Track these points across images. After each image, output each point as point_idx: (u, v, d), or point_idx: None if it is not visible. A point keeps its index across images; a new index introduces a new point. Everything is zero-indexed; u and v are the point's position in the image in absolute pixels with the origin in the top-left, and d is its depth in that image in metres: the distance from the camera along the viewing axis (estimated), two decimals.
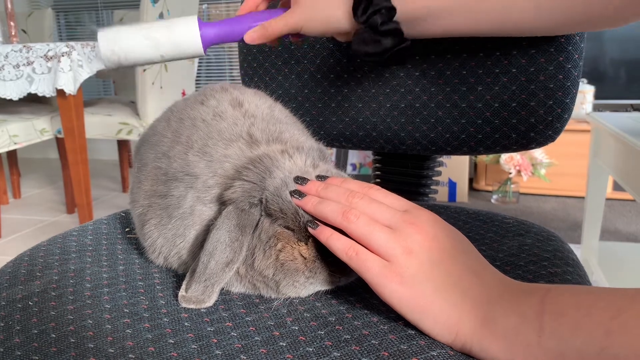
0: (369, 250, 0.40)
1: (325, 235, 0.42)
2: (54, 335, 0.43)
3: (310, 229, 0.43)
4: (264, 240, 0.45)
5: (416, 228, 0.40)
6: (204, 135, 0.51)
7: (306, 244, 0.44)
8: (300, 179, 0.45)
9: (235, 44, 3.51)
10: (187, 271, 0.48)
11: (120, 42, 0.56)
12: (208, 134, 0.51)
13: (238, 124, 0.52)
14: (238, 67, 0.92)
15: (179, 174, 0.50)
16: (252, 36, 0.58)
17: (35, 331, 0.44)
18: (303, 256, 0.44)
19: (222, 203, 0.46)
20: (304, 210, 0.44)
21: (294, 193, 0.44)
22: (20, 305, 0.48)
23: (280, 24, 0.57)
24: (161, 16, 2.07)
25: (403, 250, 0.39)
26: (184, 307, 0.45)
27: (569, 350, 0.33)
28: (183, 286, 0.46)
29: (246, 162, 0.47)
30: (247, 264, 0.46)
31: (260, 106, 0.56)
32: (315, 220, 0.43)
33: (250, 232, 0.44)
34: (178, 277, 0.52)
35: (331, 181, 0.45)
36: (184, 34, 0.57)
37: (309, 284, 0.45)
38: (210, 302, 0.45)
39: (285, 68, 0.82)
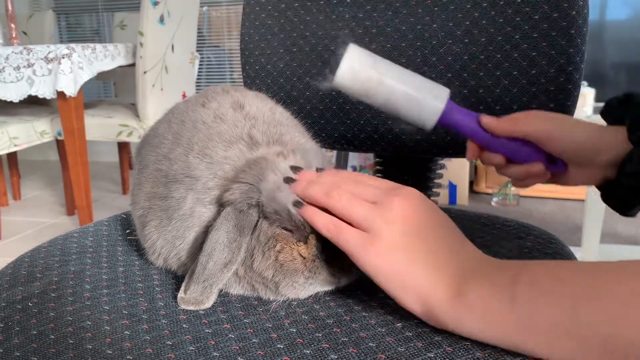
0: (350, 225, 0.41)
1: (309, 213, 0.43)
2: (53, 337, 0.43)
3: (296, 209, 0.43)
4: (262, 241, 0.45)
5: (398, 200, 0.41)
6: (205, 137, 0.51)
7: (305, 243, 0.44)
8: (295, 168, 0.45)
9: (236, 45, 3.51)
10: (186, 273, 0.48)
11: (364, 71, 0.51)
12: (209, 136, 0.51)
13: (239, 126, 0.52)
14: (239, 69, 0.91)
15: (180, 176, 0.50)
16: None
17: (35, 332, 0.44)
18: (302, 256, 0.44)
19: (221, 205, 0.46)
20: (295, 194, 0.44)
21: (287, 180, 0.44)
22: (20, 307, 0.48)
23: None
24: (162, 19, 2.06)
25: (382, 221, 0.40)
26: (183, 309, 0.45)
27: (541, 318, 0.33)
28: (182, 288, 0.46)
29: (244, 164, 0.47)
30: (246, 265, 0.46)
31: (262, 108, 0.56)
32: (304, 202, 0.44)
33: (248, 232, 0.44)
34: (177, 279, 0.52)
35: (326, 172, 0.46)
36: (426, 103, 0.52)
37: (308, 285, 0.45)
38: (208, 303, 0.45)
39: (288, 70, 0.82)
